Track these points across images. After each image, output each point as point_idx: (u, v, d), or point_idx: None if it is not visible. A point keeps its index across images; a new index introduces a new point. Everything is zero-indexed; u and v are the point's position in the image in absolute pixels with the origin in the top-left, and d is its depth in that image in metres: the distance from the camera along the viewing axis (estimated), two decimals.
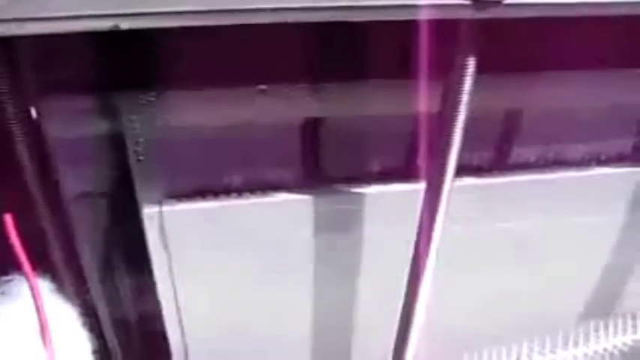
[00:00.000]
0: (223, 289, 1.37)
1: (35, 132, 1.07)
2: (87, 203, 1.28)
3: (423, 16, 0.89)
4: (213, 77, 1.11)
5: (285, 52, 1.11)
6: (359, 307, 1.49)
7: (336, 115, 1.24)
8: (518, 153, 1.39)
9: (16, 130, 1.00)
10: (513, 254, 1.50)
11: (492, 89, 1.18)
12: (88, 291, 1.35)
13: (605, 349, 1.55)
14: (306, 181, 1.30)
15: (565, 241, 1.52)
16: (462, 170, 1.16)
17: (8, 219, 1.02)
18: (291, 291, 1.42)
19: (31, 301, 1.03)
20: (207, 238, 1.27)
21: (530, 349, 1.53)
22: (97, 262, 1.38)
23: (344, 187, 1.30)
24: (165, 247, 1.24)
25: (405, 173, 1.32)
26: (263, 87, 1.15)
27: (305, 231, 1.31)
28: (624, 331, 1.56)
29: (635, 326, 1.57)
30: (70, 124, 1.16)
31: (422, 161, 1.29)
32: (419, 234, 1.21)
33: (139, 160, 1.19)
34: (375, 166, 1.33)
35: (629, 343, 1.56)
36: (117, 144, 1.19)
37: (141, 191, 1.22)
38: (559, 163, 1.42)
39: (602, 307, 1.71)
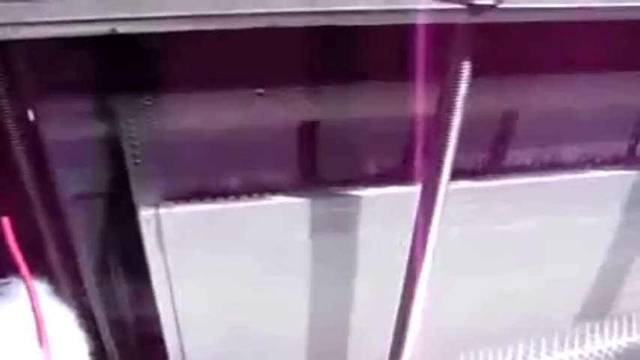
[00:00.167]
0: (220, 291, 1.37)
1: (32, 134, 1.07)
2: (84, 206, 1.28)
3: (419, 20, 0.89)
4: (210, 80, 1.12)
5: (281, 55, 1.11)
6: (355, 309, 1.49)
7: (332, 118, 1.24)
8: (514, 156, 1.40)
9: (14, 132, 1.00)
10: (509, 256, 1.51)
11: (488, 92, 1.18)
12: (84, 293, 1.35)
13: (600, 351, 1.56)
14: (302, 184, 1.30)
15: (560, 243, 1.52)
16: (457, 173, 1.16)
17: (5, 221, 1.02)
18: (288, 293, 1.42)
19: (28, 302, 1.03)
20: (204, 240, 1.27)
21: (526, 351, 1.53)
22: (94, 264, 1.38)
23: (340, 190, 1.30)
24: (162, 249, 1.24)
25: (401, 176, 1.32)
26: (260, 90, 1.15)
27: (302, 233, 1.32)
28: (619, 332, 1.57)
29: (630, 328, 1.57)
30: (68, 126, 1.16)
31: (418, 164, 1.29)
32: (415, 236, 1.22)
33: (136, 163, 1.19)
34: (372, 169, 1.33)
35: (624, 345, 1.56)
36: (114, 147, 1.19)
37: (138, 194, 1.22)
38: (554, 165, 1.43)
39: (597, 308, 1.71)
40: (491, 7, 0.86)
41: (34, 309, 1.03)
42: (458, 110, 1.03)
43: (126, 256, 1.37)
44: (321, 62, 1.17)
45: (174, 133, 1.17)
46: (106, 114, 1.16)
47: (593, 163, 1.45)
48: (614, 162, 1.46)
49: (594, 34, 1.13)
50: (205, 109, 1.16)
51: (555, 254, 1.54)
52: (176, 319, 1.36)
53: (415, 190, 1.19)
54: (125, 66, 1.08)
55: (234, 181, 1.26)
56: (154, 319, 1.37)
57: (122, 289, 1.44)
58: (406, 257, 1.26)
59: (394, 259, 1.29)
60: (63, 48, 0.94)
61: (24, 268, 0.99)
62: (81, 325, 1.18)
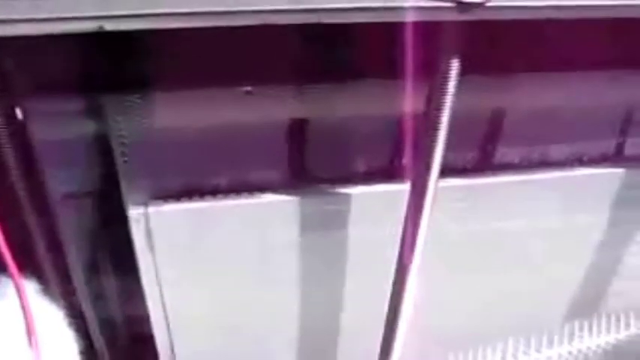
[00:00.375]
0: (210, 289, 1.37)
1: (21, 133, 1.07)
2: (73, 204, 1.28)
3: (407, 18, 0.89)
4: (199, 78, 1.11)
5: (270, 53, 1.11)
6: (345, 307, 1.50)
7: (321, 115, 1.24)
8: (502, 153, 1.40)
9: (2, 131, 1.00)
10: (497, 255, 1.51)
11: (476, 90, 1.19)
12: (74, 292, 1.35)
13: (589, 348, 1.56)
14: (292, 182, 1.30)
15: (549, 241, 1.53)
16: (446, 171, 1.16)
17: None
18: (277, 291, 1.42)
19: (17, 301, 1.03)
20: (193, 239, 1.27)
21: (516, 349, 1.54)
22: (84, 263, 1.38)
23: (330, 188, 1.30)
24: (152, 248, 1.24)
25: (390, 174, 1.32)
26: (248, 88, 1.15)
27: (291, 231, 1.32)
28: (608, 330, 1.57)
29: (618, 326, 1.58)
30: (56, 125, 1.16)
31: (407, 162, 1.30)
32: (404, 234, 1.22)
33: (125, 162, 1.19)
34: (361, 167, 1.33)
35: (612, 342, 1.57)
36: (103, 145, 1.19)
37: (127, 192, 1.22)
38: (543, 163, 1.43)
39: (586, 306, 1.72)
40: (480, 4, 0.87)
41: (23, 308, 1.03)
42: (447, 108, 1.04)
43: (115, 254, 1.37)
44: (309, 60, 1.17)
45: (163, 131, 1.17)
46: (95, 112, 1.16)
47: (581, 161, 1.46)
48: (603, 160, 1.47)
49: (582, 32, 1.14)
50: (194, 107, 1.16)
51: (544, 252, 1.55)
52: (166, 317, 1.36)
53: (404, 187, 1.19)
54: (113, 64, 1.08)
55: (223, 180, 1.26)
56: (144, 318, 1.37)
57: (112, 287, 1.44)
58: (396, 255, 1.26)
59: (384, 257, 1.29)
60: (51, 46, 0.93)
61: (13, 267, 0.99)
62: (70, 324, 1.18)
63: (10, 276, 0.99)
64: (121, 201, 1.22)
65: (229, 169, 1.26)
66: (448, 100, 1.03)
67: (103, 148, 1.19)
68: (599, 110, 1.41)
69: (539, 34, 1.16)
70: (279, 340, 1.54)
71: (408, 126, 1.23)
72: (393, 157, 1.33)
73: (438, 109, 1.04)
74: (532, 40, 1.18)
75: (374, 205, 1.33)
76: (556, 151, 1.44)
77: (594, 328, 1.57)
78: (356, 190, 1.31)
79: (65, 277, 1.30)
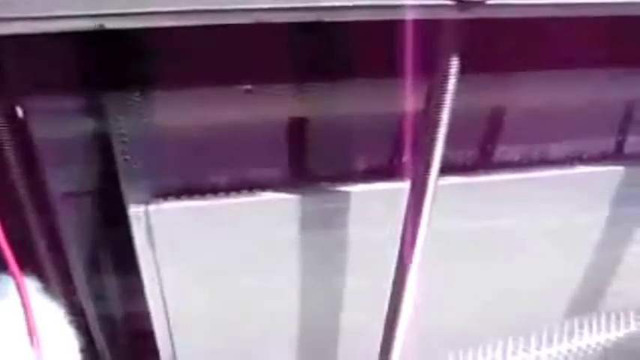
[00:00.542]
0: (210, 287, 1.37)
1: (21, 132, 1.07)
2: (73, 203, 1.28)
3: (407, 16, 0.89)
4: (199, 77, 1.12)
5: (270, 51, 1.11)
6: (345, 305, 1.50)
7: (321, 114, 1.24)
8: (502, 151, 1.40)
9: (3, 129, 1.00)
10: (497, 253, 1.51)
11: (476, 88, 1.19)
12: (75, 290, 1.35)
13: (588, 346, 1.56)
14: (292, 180, 1.30)
15: (549, 239, 1.53)
16: (446, 169, 1.16)
17: None
18: (277, 289, 1.43)
19: (18, 300, 1.03)
20: (193, 237, 1.27)
21: (516, 347, 1.54)
22: (84, 261, 1.38)
23: (330, 186, 1.30)
24: (152, 246, 1.24)
25: (390, 172, 1.33)
26: (249, 87, 1.16)
27: (291, 229, 1.32)
28: (607, 328, 1.58)
29: (618, 324, 1.58)
30: (57, 124, 1.16)
31: (407, 160, 1.30)
32: (404, 232, 1.22)
33: (125, 160, 1.19)
34: (361, 165, 1.33)
35: (612, 339, 1.57)
36: (103, 144, 1.19)
37: (127, 190, 1.22)
38: (542, 161, 1.44)
39: (586, 304, 1.72)
40: (480, 3, 0.87)
41: (24, 306, 1.03)
42: (447, 106, 1.04)
43: (116, 252, 1.37)
44: (309, 59, 1.17)
45: (163, 129, 1.17)
46: (96, 111, 1.16)
47: (581, 159, 1.46)
48: (602, 158, 1.47)
49: (581, 30, 1.14)
50: (194, 105, 1.16)
51: (544, 250, 1.55)
52: (166, 315, 1.36)
53: (404, 186, 1.20)
54: (114, 63, 1.08)
55: (223, 178, 1.26)
56: (145, 316, 1.37)
57: (112, 285, 1.44)
58: (396, 253, 1.26)
59: (384, 255, 1.29)
60: (51, 44, 0.94)
61: (14, 265, 0.99)
62: (71, 322, 1.19)
63: (11, 274, 0.99)
64: (121, 199, 1.22)
65: (229, 168, 1.26)
66: (448, 99, 1.03)
67: (103, 146, 1.19)
68: (598, 108, 1.41)
69: (539, 33, 1.16)
70: (278, 337, 1.55)
71: (408, 124, 1.23)
72: (392, 155, 1.33)
73: (438, 107, 1.04)
74: (532, 39, 1.18)
75: (374, 204, 1.33)
76: (556, 149, 1.44)
77: (594, 326, 1.58)
78: (356, 189, 1.31)
79: (66, 275, 1.30)
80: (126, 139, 1.17)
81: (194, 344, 1.46)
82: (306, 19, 0.84)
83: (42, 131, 1.14)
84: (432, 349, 1.55)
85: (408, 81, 1.11)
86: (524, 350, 1.57)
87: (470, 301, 1.58)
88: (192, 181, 1.25)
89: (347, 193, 1.30)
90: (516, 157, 1.42)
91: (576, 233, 1.55)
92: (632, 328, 1.58)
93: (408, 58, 1.05)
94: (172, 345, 1.44)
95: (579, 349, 1.56)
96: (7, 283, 1.03)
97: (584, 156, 1.46)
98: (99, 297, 1.44)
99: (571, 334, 1.56)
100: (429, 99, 1.05)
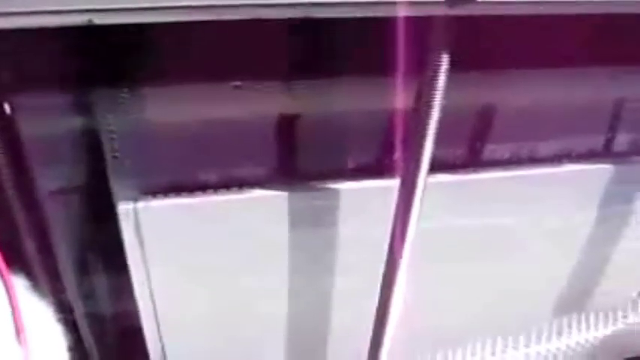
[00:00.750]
0: (199, 285, 1.37)
1: (9, 129, 1.07)
2: (62, 200, 1.27)
3: (397, 12, 0.90)
4: (188, 73, 1.11)
5: (259, 48, 1.11)
6: (334, 303, 1.50)
7: (311, 111, 1.24)
8: (492, 149, 1.41)
9: None
10: (486, 251, 1.52)
11: (466, 86, 1.19)
12: (63, 288, 1.34)
13: (577, 343, 1.57)
14: (281, 178, 1.30)
15: (537, 237, 1.54)
16: (436, 167, 1.17)
17: None
18: (267, 287, 1.42)
19: (5, 298, 1.03)
20: (183, 234, 1.27)
21: (505, 345, 1.55)
22: (73, 259, 1.37)
23: (319, 184, 1.30)
24: (141, 243, 1.24)
25: (379, 169, 1.33)
26: (237, 83, 1.15)
27: (281, 227, 1.32)
28: (596, 326, 1.59)
29: (606, 321, 1.59)
30: (45, 121, 1.15)
31: (397, 157, 1.30)
32: (393, 230, 1.22)
33: (114, 157, 1.19)
34: (350, 163, 1.33)
35: (600, 337, 1.58)
36: (92, 141, 1.19)
37: (116, 188, 1.21)
38: (531, 159, 1.44)
39: (575, 302, 1.73)
40: (470, 0, 0.87)
41: (12, 304, 1.03)
42: (436, 104, 1.04)
43: (104, 250, 1.36)
44: (299, 55, 1.17)
45: (152, 126, 1.17)
46: (84, 108, 1.15)
47: (570, 157, 1.46)
48: (591, 156, 1.48)
49: (571, 28, 1.15)
50: (183, 102, 1.15)
51: (532, 248, 1.55)
52: (155, 313, 1.36)
53: (394, 183, 1.20)
54: (103, 59, 1.08)
55: (212, 175, 1.26)
56: (133, 314, 1.37)
57: (101, 283, 1.44)
58: (385, 251, 1.26)
59: (373, 253, 1.29)
60: (40, 40, 0.93)
61: (1, 263, 0.99)
62: (59, 320, 1.18)
63: None
64: (110, 197, 1.22)
65: (219, 165, 1.26)
66: (438, 96, 1.03)
67: (92, 143, 1.19)
68: (587, 106, 1.42)
69: (528, 30, 1.16)
70: (268, 336, 1.54)
71: (398, 122, 1.23)
72: (382, 153, 1.33)
73: (428, 105, 1.04)
74: (521, 36, 1.19)
75: (363, 201, 1.33)
76: (545, 148, 1.44)
77: (582, 324, 1.58)
78: (345, 186, 1.31)
79: (54, 274, 1.30)
80: (115, 136, 1.16)
81: (183, 342, 1.46)
82: (295, 16, 0.84)
83: (30, 128, 1.13)
84: (421, 347, 1.55)
85: (398, 78, 1.11)
86: (514, 348, 1.57)
87: (459, 300, 1.58)
88: (181, 178, 1.24)
89: (336, 191, 1.30)
90: (506, 155, 1.43)
91: (565, 231, 1.56)
92: (620, 326, 1.59)
93: (398, 56, 1.05)
94: (161, 343, 1.43)
95: (568, 347, 1.57)
96: None
97: (573, 154, 1.47)
98: (87, 295, 1.43)
99: (560, 332, 1.57)
100: (418, 96, 1.05)
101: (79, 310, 1.42)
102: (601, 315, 1.62)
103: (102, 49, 1.05)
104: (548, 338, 1.59)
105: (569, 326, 1.61)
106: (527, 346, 1.56)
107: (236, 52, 1.11)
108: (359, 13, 0.86)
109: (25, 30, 0.77)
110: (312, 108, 1.23)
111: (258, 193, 1.27)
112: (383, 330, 1.37)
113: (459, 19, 0.92)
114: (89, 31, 0.79)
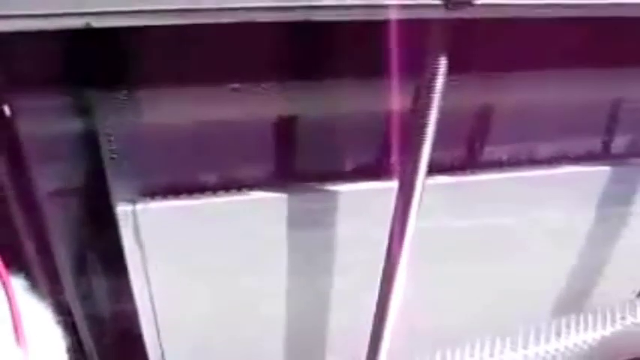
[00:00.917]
0: (198, 287, 1.37)
1: (8, 130, 1.07)
2: (61, 201, 1.27)
3: (395, 15, 0.90)
4: (186, 75, 1.11)
5: (257, 50, 1.11)
6: (333, 304, 1.50)
7: (309, 113, 1.24)
8: (490, 151, 1.41)
9: None
10: (484, 252, 1.52)
11: (464, 88, 1.19)
12: (62, 289, 1.34)
13: (575, 345, 1.57)
14: (280, 179, 1.30)
15: (536, 238, 1.54)
16: (434, 168, 1.17)
17: None
18: (266, 289, 1.42)
19: (4, 299, 1.02)
20: (181, 236, 1.27)
21: (503, 346, 1.54)
22: (72, 260, 1.37)
23: (317, 185, 1.30)
24: (140, 245, 1.24)
25: (378, 171, 1.33)
26: (236, 85, 1.15)
27: (279, 229, 1.32)
28: (594, 327, 1.58)
29: (604, 322, 1.59)
30: (44, 122, 1.15)
31: (395, 159, 1.30)
32: (392, 232, 1.22)
33: (112, 158, 1.19)
34: (349, 165, 1.33)
35: (598, 338, 1.58)
36: (90, 142, 1.19)
37: (115, 189, 1.21)
38: (530, 161, 1.44)
39: (573, 303, 1.73)
40: (467, 3, 0.87)
41: (10, 305, 1.03)
42: (434, 106, 1.04)
43: (103, 252, 1.36)
44: (297, 57, 1.17)
45: (150, 128, 1.17)
46: (83, 109, 1.15)
47: (568, 158, 1.46)
48: (589, 157, 1.48)
49: (569, 30, 1.15)
50: (181, 104, 1.15)
51: (531, 249, 1.56)
52: (154, 314, 1.36)
53: (392, 185, 1.20)
54: (101, 61, 1.08)
55: (211, 177, 1.26)
56: (132, 315, 1.37)
57: (100, 285, 1.44)
58: (384, 252, 1.26)
59: (372, 254, 1.29)
60: (38, 42, 0.93)
61: (0, 264, 0.99)
62: (58, 322, 1.18)
63: None
64: (108, 198, 1.22)
65: (217, 167, 1.26)
66: (436, 98, 1.03)
67: (90, 145, 1.19)
68: (585, 108, 1.42)
69: (527, 33, 1.17)
70: (267, 337, 1.54)
71: (396, 124, 1.23)
72: (381, 155, 1.33)
73: (426, 106, 1.04)
74: (519, 39, 1.19)
75: (362, 203, 1.33)
76: (543, 149, 1.44)
77: (581, 325, 1.58)
78: (344, 188, 1.31)
79: (53, 275, 1.30)
80: (113, 137, 1.16)
81: (182, 343, 1.46)
82: (293, 19, 0.84)
83: (29, 130, 1.13)
84: (420, 347, 1.55)
85: (396, 80, 1.11)
86: (512, 349, 1.57)
87: (457, 300, 1.59)
88: (179, 179, 1.24)
89: (335, 193, 1.31)
90: (504, 157, 1.43)
91: (563, 232, 1.56)
92: (618, 327, 1.59)
93: (396, 58, 1.05)
94: (160, 344, 1.43)
95: (566, 347, 1.56)
96: None
97: (571, 155, 1.47)
98: (86, 296, 1.43)
99: (558, 333, 1.57)
100: (416, 99, 1.05)
101: (79, 312, 1.42)
102: (599, 316, 1.61)
103: (100, 52, 1.05)
104: (547, 339, 1.58)
105: (568, 327, 1.61)
106: (525, 347, 1.55)
107: (234, 54, 1.11)
108: (357, 16, 0.86)
109: (24, 32, 0.77)
110: (311, 110, 1.23)
111: (256, 194, 1.27)
112: (382, 330, 1.37)
113: (457, 21, 0.92)
114: (88, 33, 0.79)
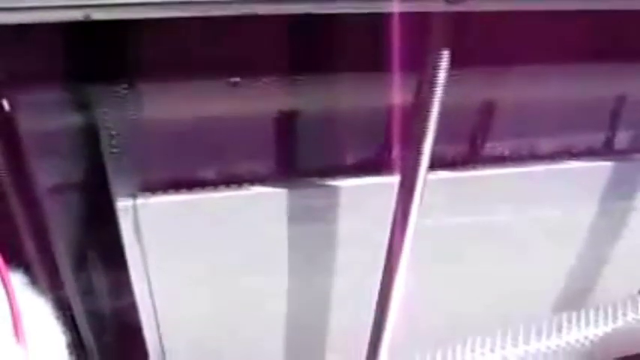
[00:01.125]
0: (198, 282, 1.37)
1: (7, 124, 1.06)
2: (60, 196, 1.27)
3: (396, 9, 0.89)
4: (187, 69, 1.11)
5: (258, 44, 1.11)
6: (334, 300, 1.50)
7: (309, 108, 1.24)
8: (492, 146, 1.40)
9: None
10: (486, 247, 1.52)
11: (466, 83, 1.19)
12: (62, 285, 1.34)
13: (577, 340, 1.57)
14: (280, 174, 1.30)
15: (538, 234, 1.53)
16: (436, 163, 1.16)
17: None
18: (266, 284, 1.42)
19: (4, 294, 1.02)
20: (181, 231, 1.27)
21: (504, 341, 1.54)
22: (72, 255, 1.37)
23: (318, 180, 1.30)
24: (140, 240, 1.24)
25: (379, 166, 1.32)
26: (236, 79, 1.15)
27: (280, 224, 1.31)
28: (596, 322, 1.58)
29: (606, 318, 1.59)
30: (43, 117, 1.15)
31: (396, 154, 1.30)
32: (393, 227, 1.22)
33: (112, 153, 1.18)
34: (350, 159, 1.33)
35: (600, 334, 1.58)
36: (90, 137, 1.19)
37: (115, 184, 1.21)
38: (532, 156, 1.44)
39: (575, 298, 1.73)
40: None
41: (10, 301, 1.02)
42: (436, 101, 1.03)
43: (103, 247, 1.36)
44: (297, 52, 1.16)
45: (151, 122, 1.16)
46: (83, 104, 1.15)
47: (571, 153, 1.46)
48: (591, 153, 1.48)
49: (572, 24, 1.14)
50: (182, 98, 1.15)
51: (532, 245, 1.55)
52: (154, 309, 1.36)
53: (394, 180, 1.19)
54: (101, 55, 1.07)
55: (211, 172, 1.26)
56: (133, 311, 1.37)
57: (100, 280, 1.43)
58: (385, 247, 1.26)
59: (373, 249, 1.29)
60: (38, 36, 0.93)
61: None
62: (58, 317, 1.18)
63: None
64: (109, 193, 1.22)
65: (217, 161, 1.25)
66: (438, 93, 1.03)
67: (90, 139, 1.19)
68: (587, 103, 1.41)
69: (528, 27, 1.16)
70: (267, 332, 1.54)
71: (398, 118, 1.23)
72: (382, 149, 1.33)
73: (427, 101, 1.04)
74: (521, 33, 1.18)
75: (363, 198, 1.33)
76: (545, 144, 1.44)
77: (582, 322, 1.58)
78: (345, 183, 1.31)
79: (53, 271, 1.30)
80: (113, 132, 1.16)
81: (182, 339, 1.46)
82: (294, 12, 0.83)
83: (28, 125, 1.13)
84: (421, 343, 1.55)
85: (398, 75, 1.11)
86: (513, 345, 1.57)
87: (458, 296, 1.58)
88: (180, 174, 1.24)
89: (336, 188, 1.30)
90: (506, 152, 1.42)
91: (565, 228, 1.56)
92: (620, 323, 1.59)
93: (398, 53, 1.05)
94: (160, 340, 1.43)
95: (568, 344, 1.56)
96: None
97: (574, 151, 1.46)
98: (86, 292, 1.43)
99: (559, 330, 1.57)
100: (418, 93, 1.05)
101: (78, 307, 1.42)
102: (601, 312, 1.61)
103: (100, 45, 1.05)
104: (548, 335, 1.58)
105: (569, 323, 1.61)
106: (526, 343, 1.55)
107: (235, 48, 1.10)
108: (358, 10, 0.86)
109: (23, 25, 0.77)
110: (312, 105, 1.23)
111: (257, 189, 1.27)
112: (382, 327, 1.36)
113: (459, 15, 0.91)
114: (87, 26, 0.79)
